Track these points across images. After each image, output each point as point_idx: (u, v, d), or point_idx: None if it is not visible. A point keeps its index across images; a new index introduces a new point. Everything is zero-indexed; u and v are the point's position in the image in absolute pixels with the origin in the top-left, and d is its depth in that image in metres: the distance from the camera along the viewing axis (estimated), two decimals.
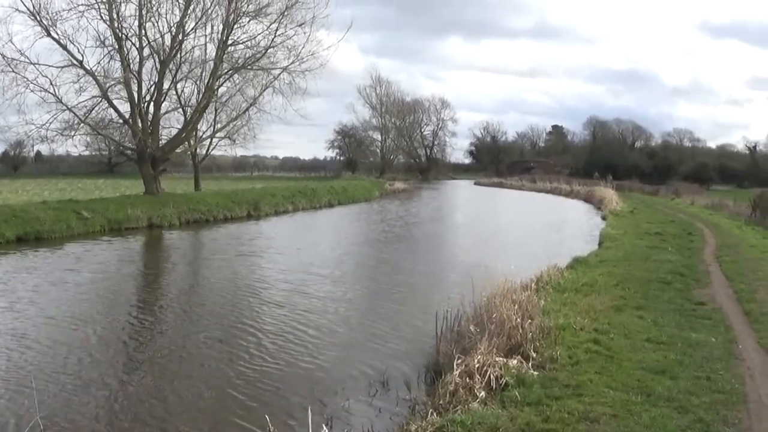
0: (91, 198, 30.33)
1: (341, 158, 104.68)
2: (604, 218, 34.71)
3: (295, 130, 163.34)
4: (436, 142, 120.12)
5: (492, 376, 7.16)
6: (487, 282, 10.27)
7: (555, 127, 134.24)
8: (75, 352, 9.95)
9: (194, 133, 38.19)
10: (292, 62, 34.51)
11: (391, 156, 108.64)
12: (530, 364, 7.82)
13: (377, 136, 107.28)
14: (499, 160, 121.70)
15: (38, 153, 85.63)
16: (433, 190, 74.65)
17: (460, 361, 7.49)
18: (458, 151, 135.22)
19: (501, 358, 7.61)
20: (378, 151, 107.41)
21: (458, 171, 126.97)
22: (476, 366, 7.20)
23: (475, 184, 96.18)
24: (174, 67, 32.64)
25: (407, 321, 11.92)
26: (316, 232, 29.63)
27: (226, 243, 24.89)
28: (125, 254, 21.25)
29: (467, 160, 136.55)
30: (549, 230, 30.28)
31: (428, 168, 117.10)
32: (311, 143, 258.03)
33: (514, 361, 7.68)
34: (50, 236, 23.29)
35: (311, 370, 9.22)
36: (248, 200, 36.42)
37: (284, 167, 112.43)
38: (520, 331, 8.46)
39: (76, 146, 36.02)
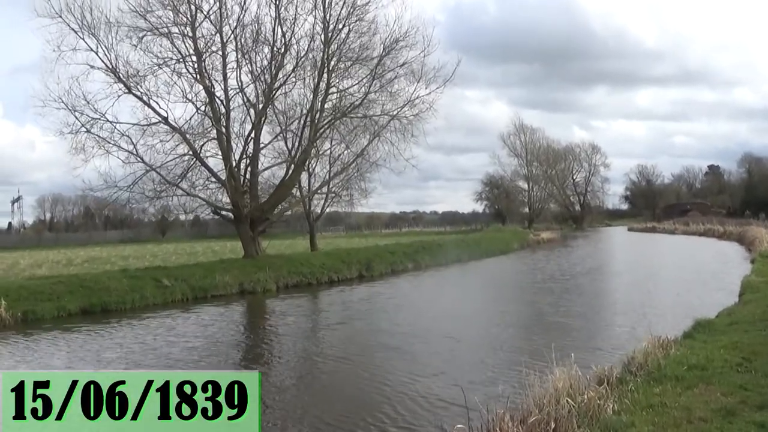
0: (186, 263, 28.62)
1: (490, 210, 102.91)
2: (752, 262, 28.88)
3: (454, 185, 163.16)
4: (588, 189, 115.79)
5: None
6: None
7: (711, 167, 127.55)
8: None
9: (296, 191, 35.84)
10: (403, 107, 31.43)
11: (540, 204, 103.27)
12: None
13: (525, 185, 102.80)
14: (655, 204, 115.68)
15: (196, 217, 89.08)
16: (581, 239, 69.15)
17: None
18: (614, 197, 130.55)
19: None
20: (526, 200, 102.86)
21: (614, 217, 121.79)
22: None
23: (629, 230, 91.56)
24: (269, 120, 30.57)
25: None
26: (417, 300, 25.50)
27: (317, 309, 22.69)
28: (193, 324, 18.88)
29: (624, 206, 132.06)
30: (684, 280, 25.94)
31: (582, 215, 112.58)
32: (469, 197, 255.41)
33: None
34: (120, 307, 21.36)
35: None
36: (360, 259, 33.42)
37: (443, 222, 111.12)
38: None
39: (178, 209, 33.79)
